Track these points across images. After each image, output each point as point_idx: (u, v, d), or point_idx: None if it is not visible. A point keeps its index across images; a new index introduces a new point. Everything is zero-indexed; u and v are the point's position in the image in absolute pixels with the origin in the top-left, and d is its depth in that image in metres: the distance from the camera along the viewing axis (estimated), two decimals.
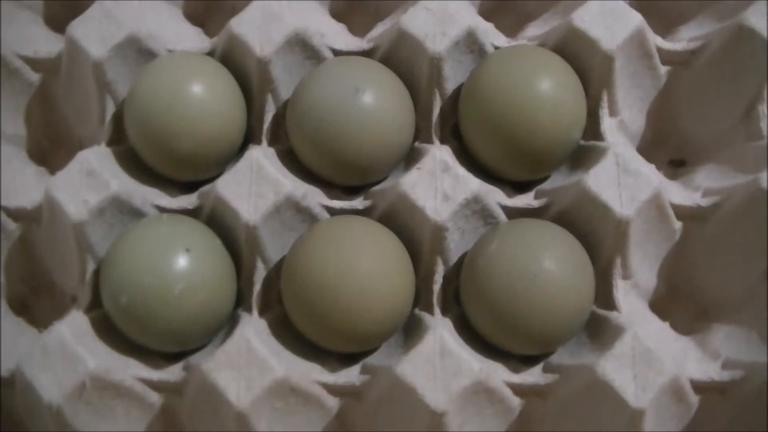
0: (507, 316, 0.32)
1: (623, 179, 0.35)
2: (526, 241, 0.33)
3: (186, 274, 0.32)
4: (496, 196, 0.36)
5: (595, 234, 0.35)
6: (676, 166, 0.40)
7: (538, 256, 0.32)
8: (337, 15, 0.42)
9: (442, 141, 0.37)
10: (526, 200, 0.37)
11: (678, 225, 0.37)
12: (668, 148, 0.41)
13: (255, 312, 0.34)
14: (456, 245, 0.35)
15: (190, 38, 0.40)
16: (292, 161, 0.37)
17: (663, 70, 0.39)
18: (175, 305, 0.32)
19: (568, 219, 0.35)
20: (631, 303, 0.35)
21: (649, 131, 0.40)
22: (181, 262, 0.32)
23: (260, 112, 0.37)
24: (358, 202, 0.36)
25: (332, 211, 0.36)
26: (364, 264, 0.32)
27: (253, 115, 0.38)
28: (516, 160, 0.36)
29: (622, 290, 0.35)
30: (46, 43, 0.40)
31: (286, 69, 0.37)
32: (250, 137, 0.38)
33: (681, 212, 0.37)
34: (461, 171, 0.35)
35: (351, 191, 0.37)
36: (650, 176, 0.35)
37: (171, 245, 0.33)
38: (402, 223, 0.35)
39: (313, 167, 0.36)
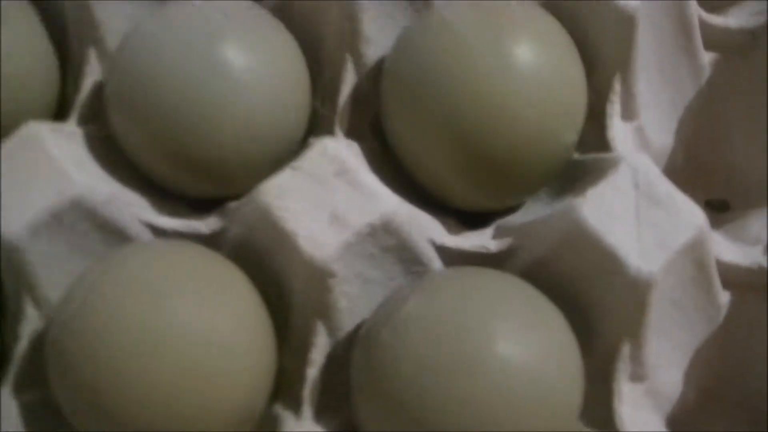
0: (425, 428, 0.23)
1: (645, 211, 0.26)
2: (469, 304, 0.24)
3: None
4: (428, 230, 0.28)
5: (592, 301, 0.27)
6: (715, 209, 0.34)
7: (488, 332, 0.24)
8: None
9: (355, 138, 0.29)
10: (478, 239, 0.28)
11: (725, 296, 0.29)
12: (706, 182, 0.35)
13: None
14: (351, 304, 0.26)
15: None
16: (109, 151, 0.28)
17: (706, 58, 0.32)
18: None
19: (546, 273, 0.27)
20: (642, 423, 0.27)
21: (680, 154, 0.34)
22: None
23: None
24: (203, 223, 0.28)
25: (158, 232, 0.27)
26: (187, 322, 0.23)
27: None
28: (469, 176, 0.28)
29: (629, 400, 0.27)
30: None
31: None
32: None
33: (731, 275, 0.29)
34: (368, 178, 0.26)
35: (200, 206, 0.29)
36: (690, 210, 0.27)
37: None
38: (263, 259, 0.26)
39: (140, 162, 0.28)
